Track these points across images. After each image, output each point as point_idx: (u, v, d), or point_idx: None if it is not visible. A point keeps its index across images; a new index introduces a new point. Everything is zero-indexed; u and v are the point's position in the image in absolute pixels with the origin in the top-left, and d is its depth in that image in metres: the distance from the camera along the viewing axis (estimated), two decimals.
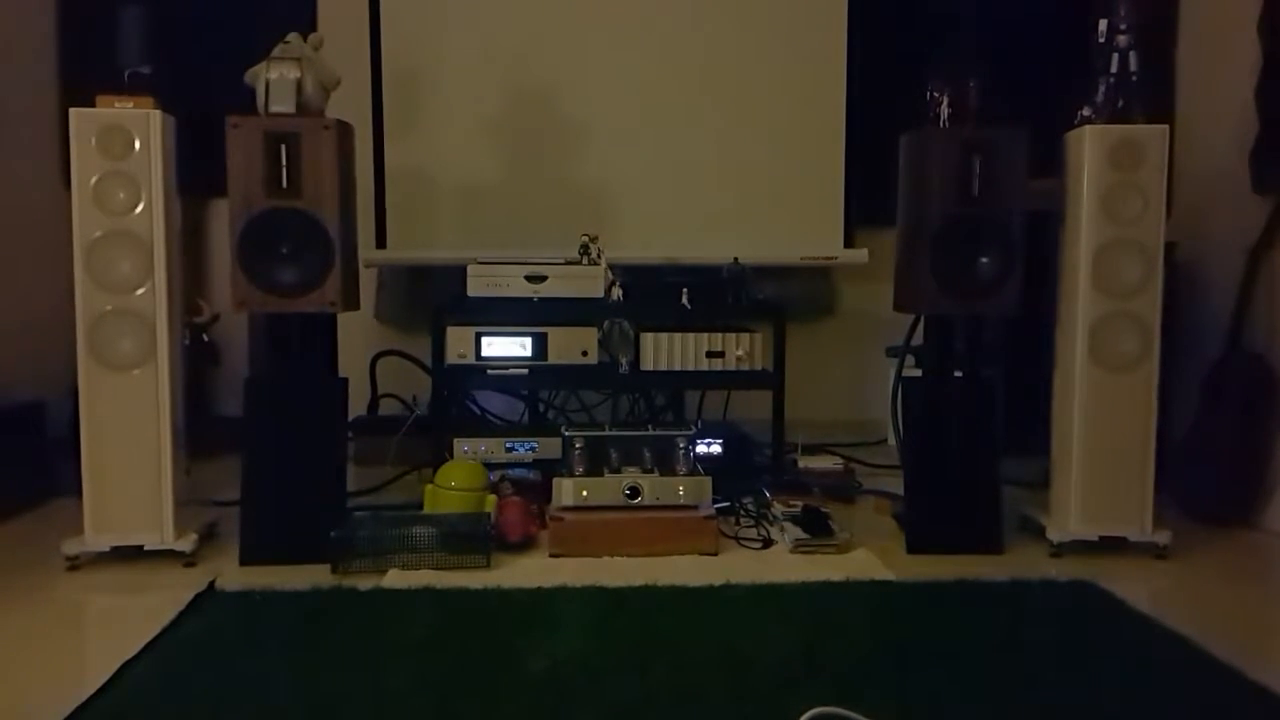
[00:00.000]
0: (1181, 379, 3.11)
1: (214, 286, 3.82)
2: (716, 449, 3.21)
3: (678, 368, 3.13)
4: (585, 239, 3.20)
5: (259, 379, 2.74)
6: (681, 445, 2.64)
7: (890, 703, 1.72)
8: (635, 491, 2.56)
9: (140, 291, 2.42)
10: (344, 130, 2.55)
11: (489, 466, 2.80)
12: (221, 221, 3.61)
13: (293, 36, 2.58)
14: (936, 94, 2.63)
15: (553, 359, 3.10)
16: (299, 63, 2.53)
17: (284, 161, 2.46)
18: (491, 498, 2.63)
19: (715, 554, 2.56)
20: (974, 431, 2.65)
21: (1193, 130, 3.46)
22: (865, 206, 3.74)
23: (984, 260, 2.57)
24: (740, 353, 3.13)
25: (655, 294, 3.23)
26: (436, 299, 3.24)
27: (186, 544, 2.48)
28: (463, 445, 3.07)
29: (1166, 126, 2.53)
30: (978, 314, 2.68)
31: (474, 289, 3.11)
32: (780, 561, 2.54)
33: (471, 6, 3.67)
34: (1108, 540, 2.58)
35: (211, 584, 2.33)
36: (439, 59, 3.67)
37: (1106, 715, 1.73)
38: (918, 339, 2.84)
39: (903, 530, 2.71)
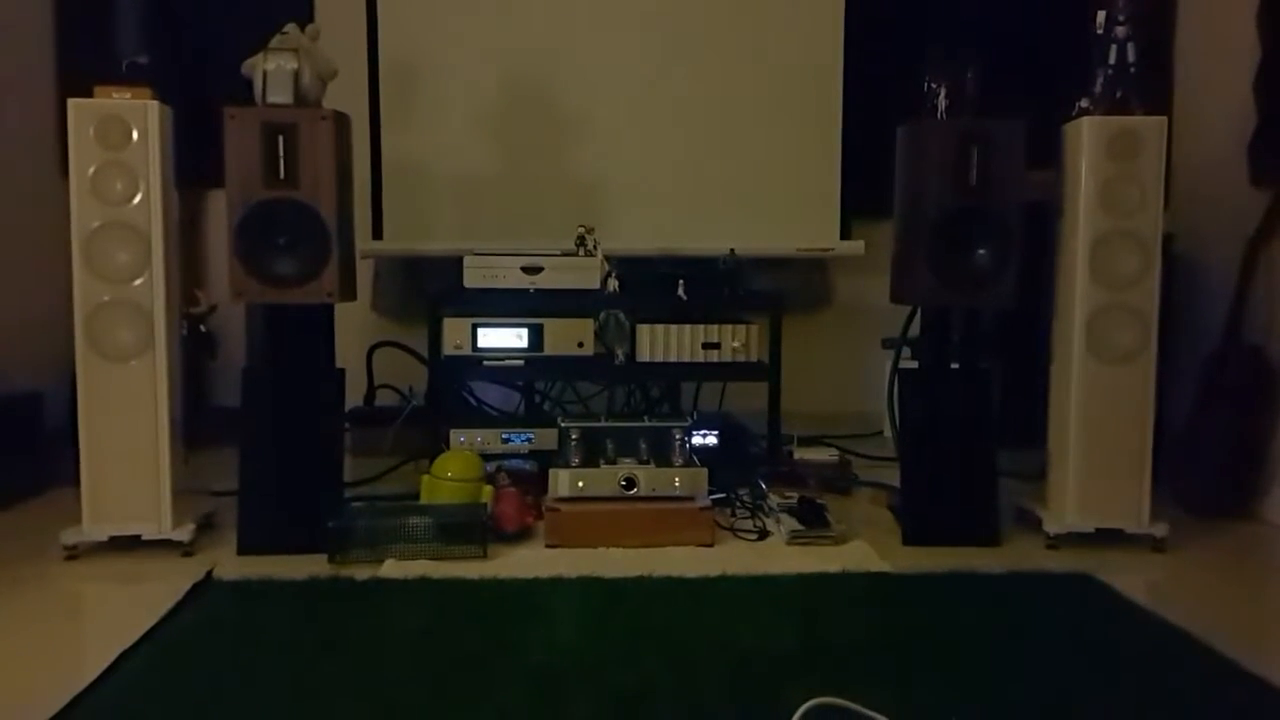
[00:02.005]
0: (1179, 371, 3.11)
1: (211, 277, 3.82)
2: (712, 440, 3.22)
3: (674, 359, 3.14)
4: (582, 230, 3.20)
5: (256, 369, 2.74)
6: (677, 436, 2.64)
7: (887, 694, 1.72)
8: (631, 483, 2.56)
9: (138, 282, 2.42)
10: (341, 121, 2.55)
11: (485, 457, 2.81)
12: (219, 212, 3.62)
13: (290, 27, 2.58)
14: (934, 85, 2.63)
15: (549, 350, 3.10)
16: (296, 54, 2.53)
17: (281, 152, 2.46)
18: (488, 488, 2.64)
19: (711, 545, 2.56)
20: (970, 423, 2.66)
21: (1191, 122, 3.46)
22: (862, 198, 3.74)
23: (981, 252, 2.57)
24: (736, 344, 3.14)
25: (651, 285, 3.23)
26: (433, 290, 3.24)
27: (184, 534, 2.48)
28: (459, 436, 3.07)
29: (1164, 118, 2.52)
30: (975, 306, 2.69)
31: (470, 280, 3.11)
32: (776, 553, 2.54)
33: None
34: (1105, 532, 2.58)
35: (209, 574, 2.33)
36: (436, 50, 3.67)
37: (1103, 707, 1.74)
38: (914, 331, 2.84)
39: (899, 522, 2.71)
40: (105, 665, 1.84)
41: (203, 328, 3.70)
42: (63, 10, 3.70)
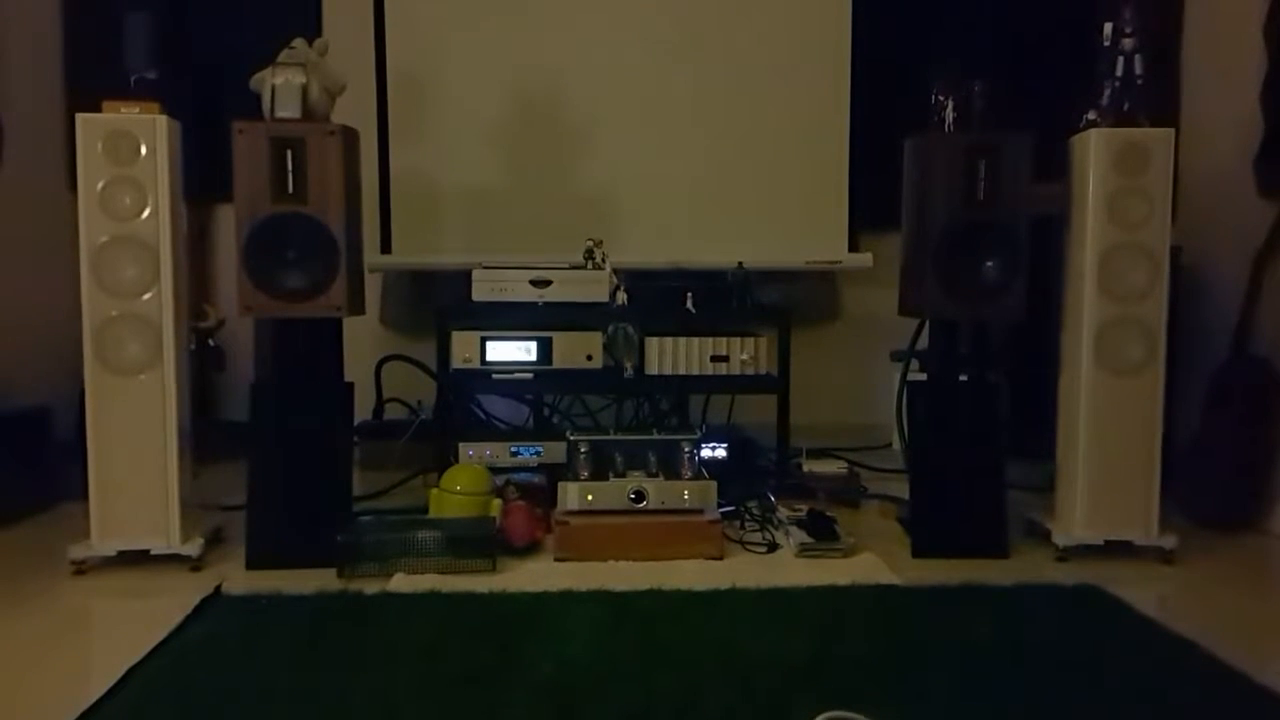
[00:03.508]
0: (1187, 383, 3.10)
1: (220, 291, 3.82)
2: (721, 453, 3.21)
3: (682, 372, 3.13)
4: (590, 243, 3.20)
5: (265, 384, 2.74)
6: (686, 449, 2.64)
7: (896, 707, 1.71)
8: (640, 496, 2.56)
9: (146, 296, 2.43)
10: (349, 135, 2.56)
11: (494, 471, 2.81)
12: (227, 227, 3.64)
13: (298, 42, 2.59)
14: (941, 98, 2.63)
15: (558, 363, 3.10)
16: (304, 68, 2.54)
17: (289, 167, 2.47)
18: (497, 502, 2.64)
19: (720, 558, 2.55)
20: (979, 435, 2.65)
21: (1198, 134, 3.46)
22: (870, 211, 3.74)
23: (989, 264, 2.57)
24: (745, 357, 3.13)
25: (660, 298, 3.23)
26: (441, 304, 3.25)
27: (193, 548, 2.48)
28: (468, 449, 3.06)
29: (1172, 130, 2.52)
30: (983, 318, 2.68)
31: (479, 294, 3.11)
32: (785, 566, 2.54)
33: (476, 11, 3.68)
34: (1113, 544, 2.57)
35: (218, 588, 2.33)
36: (444, 64, 3.68)
37: None
38: (922, 343, 2.84)
39: (908, 534, 2.71)
40: (113, 681, 1.84)
41: (211, 342, 3.71)
42: (71, 25, 3.72)
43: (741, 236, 3.70)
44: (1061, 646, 2.03)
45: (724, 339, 3.13)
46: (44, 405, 3.19)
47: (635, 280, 3.21)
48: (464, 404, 3.60)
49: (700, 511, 2.59)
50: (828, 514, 2.74)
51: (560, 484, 2.61)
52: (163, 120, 2.42)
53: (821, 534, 2.63)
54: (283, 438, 2.56)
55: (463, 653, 1.96)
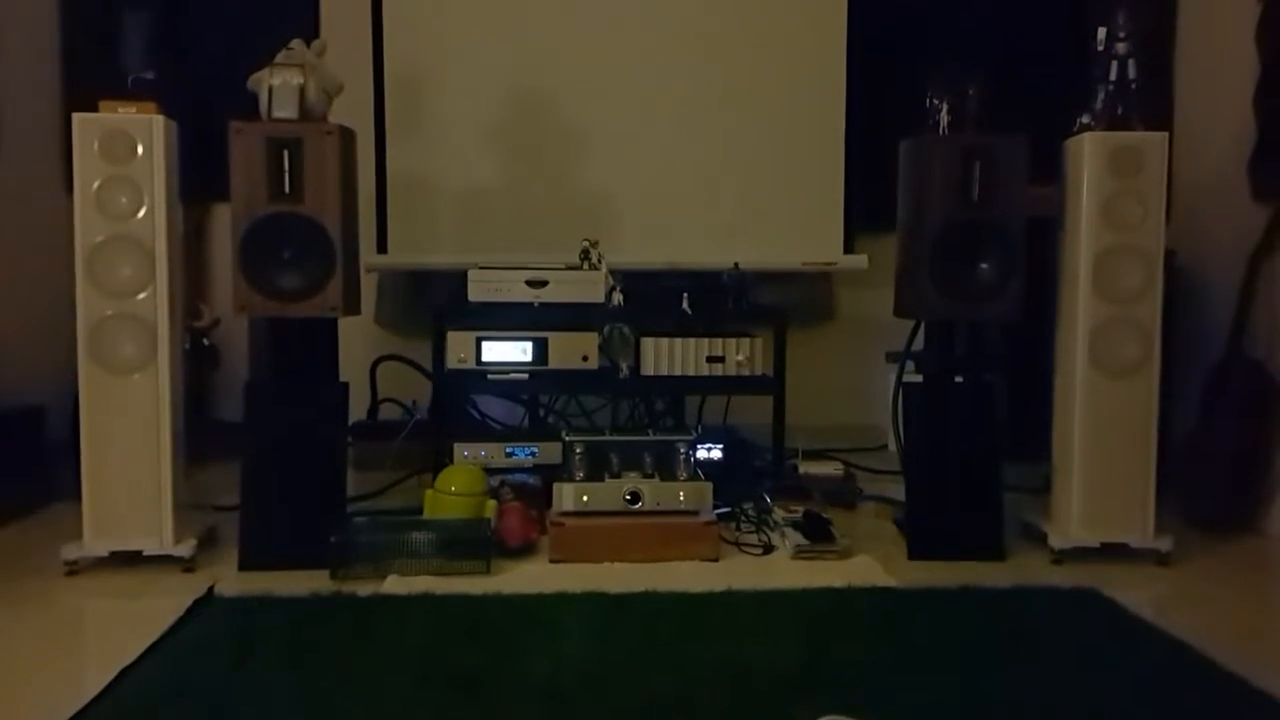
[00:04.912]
0: (1182, 385, 3.11)
1: (215, 291, 3.81)
2: (717, 454, 3.21)
3: (678, 373, 3.13)
4: (586, 244, 3.20)
5: (259, 383, 2.74)
6: (682, 450, 2.64)
7: (892, 710, 1.71)
8: (636, 497, 2.56)
9: (141, 296, 2.42)
10: (346, 136, 2.55)
11: (489, 471, 2.81)
12: (223, 226, 3.62)
13: (296, 42, 2.58)
14: (936, 100, 2.64)
15: (553, 364, 3.10)
16: (302, 69, 2.54)
17: (286, 167, 2.46)
18: (492, 503, 2.63)
19: (716, 560, 2.55)
20: (975, 437, 2.65)
21: (1192, 138, 3.47)
22: (865, 212, 3.74)
23: (984, 266, 2.57)
24: (740, 358, 3.13)
25: (656, 299, 3.23)
26: (437, 304, 3.24)
27: (186, 549, 2.48)
28: (463, 450, 3.06)
29: (1166, 134, 2.53)
30: (978, 320, 2.69)
31: (475, 294, 3.11)
32: (781, 567, 2.54)
33: (473, 13, 3.67)
34: (1109, 546, 2.57)
35: (211, 589, 2.32)
36: (441, 65, 3.67)
37: None
38: (918, 344, 2.84)
39: (904, 536, 2.71)
40: (106, 682, 1.83)
41: (206, 341, 3.71)
42: (68, 25, 3.71)
43: (737, 237, 3.69)
44: (1057, 649, 2.04)
45: (720, 340, 3.13)
46: (38, 404, 3.18)
47: (631, 281, 3.21)
48: (459, 404, 3.59)
49: (696, 513, 2.58)
50: (823, 515, 2.74)
51: (555, 485, 2.60)
52: (159, 120, 2.42)
53: (817, 536, 2.63)
54: (277, 438, 2.55)
55: (457, 655, 1.96)
